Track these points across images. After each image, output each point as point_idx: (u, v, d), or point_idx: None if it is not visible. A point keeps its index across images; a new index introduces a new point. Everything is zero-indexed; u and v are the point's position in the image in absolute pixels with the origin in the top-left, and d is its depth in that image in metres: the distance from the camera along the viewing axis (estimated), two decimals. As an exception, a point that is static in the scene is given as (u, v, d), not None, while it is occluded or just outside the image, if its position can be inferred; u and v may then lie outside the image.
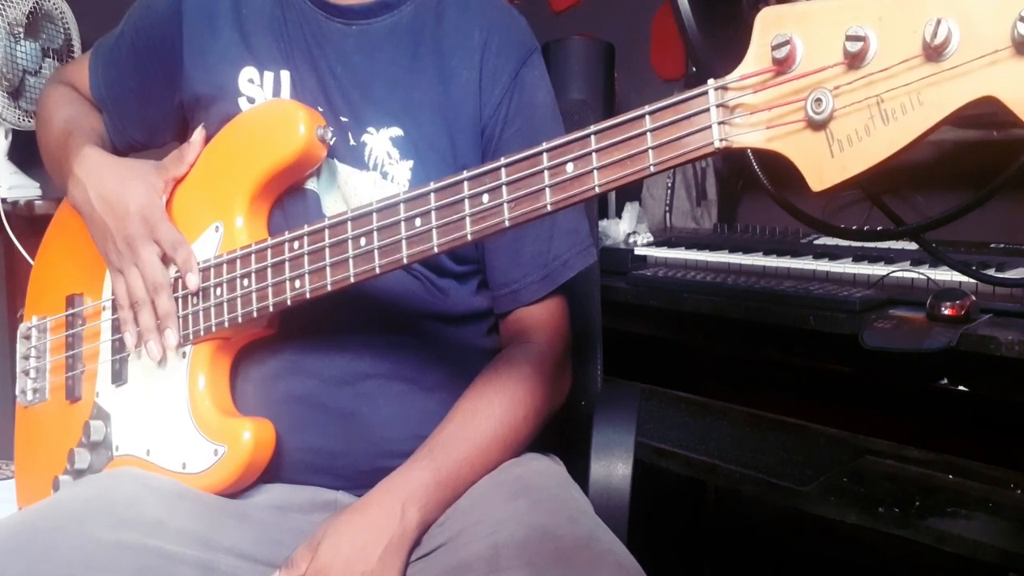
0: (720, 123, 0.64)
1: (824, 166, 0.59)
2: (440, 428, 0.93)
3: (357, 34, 1.00)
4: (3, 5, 1.90)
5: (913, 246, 1.37)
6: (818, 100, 0.59)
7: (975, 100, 0.54)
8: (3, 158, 2.02)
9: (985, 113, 0.55)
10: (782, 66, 0.60)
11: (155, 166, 1.00)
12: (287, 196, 0.98)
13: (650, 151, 0.66)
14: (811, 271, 1.42)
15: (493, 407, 0.94)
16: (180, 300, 0.95)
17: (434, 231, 0.78)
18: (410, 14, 1.01)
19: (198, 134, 0.99)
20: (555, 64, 1.75)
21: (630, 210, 1.84)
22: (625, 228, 1.81)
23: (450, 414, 0.94)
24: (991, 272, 1.26)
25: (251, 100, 0.99)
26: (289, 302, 0.88)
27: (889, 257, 1.41)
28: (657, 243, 1.72)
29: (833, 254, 1.47)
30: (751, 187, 2.00)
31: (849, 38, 0.57)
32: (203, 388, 0.93)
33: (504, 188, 0.74)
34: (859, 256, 1.44)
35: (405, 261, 0.81)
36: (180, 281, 0.95)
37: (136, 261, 0.95)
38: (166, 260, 0.95)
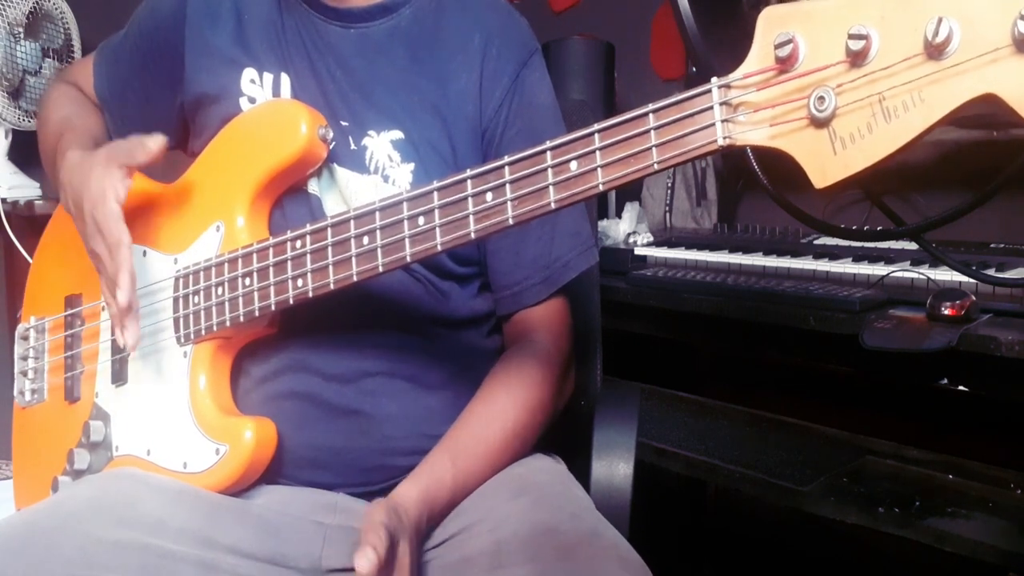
0: (723, 121, 0.64)
1: (827, 163, 0.59)
2: (457, 433, 0.94)
3: (356, 38, 1.00)
4: (3, 5, 1.90)
5: (913, 246, 1.37)
6: (821, 98, 0.59)
7: (976, 98, 0.55)
8: (3, 158, 2.02)
9: (985, 113, 0.56)
10: (785, 64, 0.61)
11: (110, 154, 0.91)
12: (288, 198, 0.98)
13: (654, 149, 0.67)
14: (811, 271, 1.42)
15: (507, 415, 0.95)
16: (181, 299, 0.95)
17: (437, 229, 0.78)
18: (409, 17, 1.01)
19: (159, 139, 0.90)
20: (555, 64, 1.75)
21: (630, 210, 1.85)
22: (625, 228, 1.81)
23: (467, 418, 0.95)
24: (991, 272, 1.26)
25: (252, 100, 0.99)
26: (291, 301, 0.88)
27: (889, 257, 1.41)
28: (657, 243, 1.72)
29: (833, 254, 1.47)
30: (751, 187, 2.00)
31: (851, 37, 0.58)
32: (204, 387, 0.93)
33: (508, 186, 0.74)
34: (859, 256, 1.44)
35: (408, 260, 0.81)
36: (180, 281, 0.95)
37: (95, 261, 0.93)
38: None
